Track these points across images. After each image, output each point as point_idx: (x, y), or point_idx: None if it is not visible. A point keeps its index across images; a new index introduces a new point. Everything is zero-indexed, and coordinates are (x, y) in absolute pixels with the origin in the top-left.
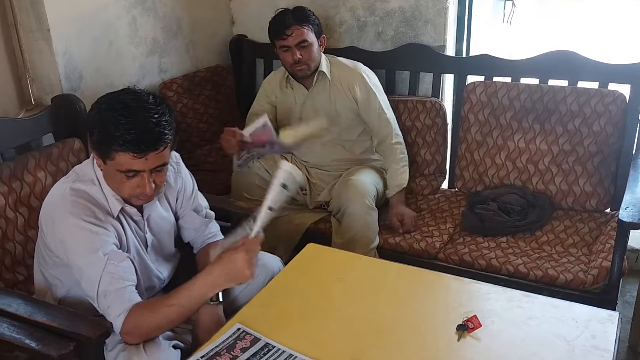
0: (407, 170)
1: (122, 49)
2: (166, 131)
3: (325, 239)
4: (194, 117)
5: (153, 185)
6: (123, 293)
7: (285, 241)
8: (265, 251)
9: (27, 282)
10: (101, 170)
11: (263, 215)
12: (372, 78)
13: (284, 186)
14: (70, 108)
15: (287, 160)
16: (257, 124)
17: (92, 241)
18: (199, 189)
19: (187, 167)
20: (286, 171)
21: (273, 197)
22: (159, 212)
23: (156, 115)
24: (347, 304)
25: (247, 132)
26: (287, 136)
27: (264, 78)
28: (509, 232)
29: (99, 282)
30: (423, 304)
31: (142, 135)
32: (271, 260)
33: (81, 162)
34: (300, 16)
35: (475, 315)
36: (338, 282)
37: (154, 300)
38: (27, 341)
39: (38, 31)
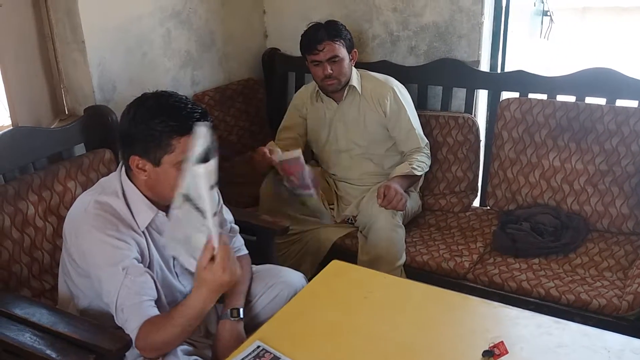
0: (422, 170)
1: (156, 61)
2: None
3: (351, 255)
4: (224, 129)
5: None
6: (139, 308)
7: (311, 256)
8: (290, 266)
9: (53, 291)
10: (145, 179)
11: (211, 222)
12: (403, 92)
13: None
14: (102, 119)
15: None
16: (290, 155)
17: (113, 255)
18: (227, 201)
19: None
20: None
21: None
22: None
23: (185, 99)
24: (370, 323)
25: (277, 158)
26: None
27: (295, 91)
28: (541, 253)
29: (117, 296)
30: (448, 327)
31: (192, 115)
32: (294, 277)
33: (111, 173)
34: (332, 31)
35: (502, 342)
36: (362, 301)
37: (161, 317)
38: (47, 352)
39: (73, 42)
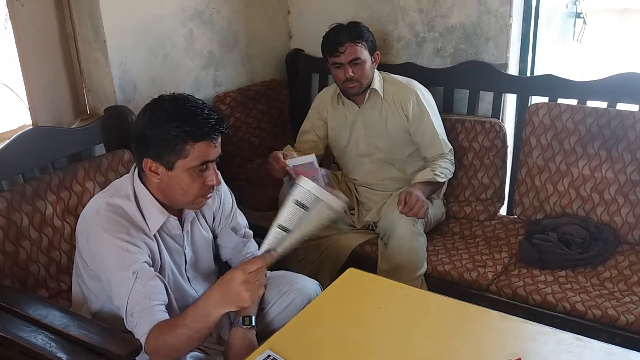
0: (445, 177)
1: (178, 61)
2: (219, 114)
3: (371, 263)
4: (246, 131)
5: None
6: (149, 312)
7: (331, 262)
8: (309, 272)
9: (70, 292)
10: (157, 182)
11: (273, 234)
12: (426, 96)
13: (300, 204)
14: (121, 119)
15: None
16: (304, 160)
17: (123, 259)
18: (246, 204)
19: (237, 180)
20: (302, 189)
21: (285, 215)
22: (198, 228)
23: (202, 103)
24: (384, 335)
25: (292, 163)
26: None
27: (318, 92)
28: (568, 265)
29: (128, 300)
30: (464, 342)
31: (208, 121)
32: (309, 284)
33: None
34: (354, 33)
35: (519, 359)
36: (376, 312)
37: (169, 321)
38: (58, 354)
39: (95, 42)
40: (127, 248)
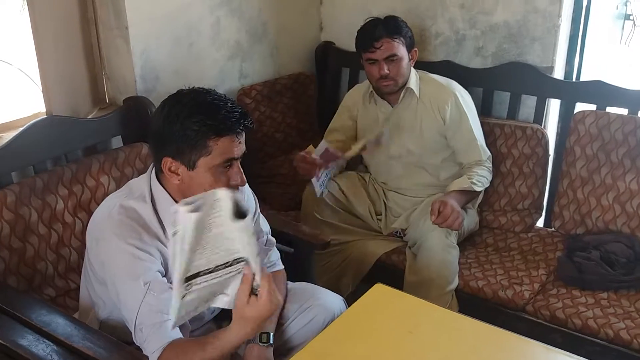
0: (482, 186)
1: (203, 51)
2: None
3: (397, 273)
4: (270, 125)
5: None
6: (160, 328)
7: (354, 269)
8: (330, 279)
9: (78, 291)
10: (177, 183)
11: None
12: (466, 99)
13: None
14: (141, 111)
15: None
16: (320, 149)
17: (134, 267)
18: (268, 202)
19: (258, 177)
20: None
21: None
22: None
23: (224, 97)
24: None
25: (316, 155)
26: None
27: (349, 89)
28: (611, 287)
29: (137, 313)
30: None
31: (232, 114)
32: (333, 300)
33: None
34: (391, 27)
35: None
36: (406, 336)
37: (188, 344)
38: None
39: (116, 28)
40: (138, 255)
